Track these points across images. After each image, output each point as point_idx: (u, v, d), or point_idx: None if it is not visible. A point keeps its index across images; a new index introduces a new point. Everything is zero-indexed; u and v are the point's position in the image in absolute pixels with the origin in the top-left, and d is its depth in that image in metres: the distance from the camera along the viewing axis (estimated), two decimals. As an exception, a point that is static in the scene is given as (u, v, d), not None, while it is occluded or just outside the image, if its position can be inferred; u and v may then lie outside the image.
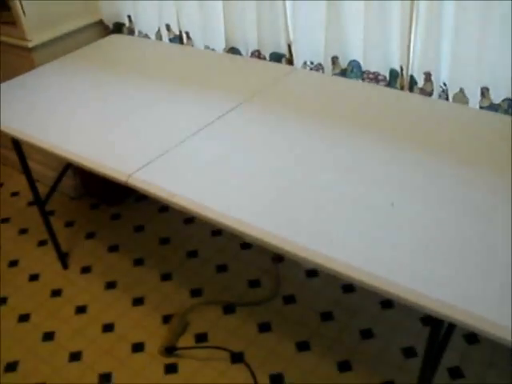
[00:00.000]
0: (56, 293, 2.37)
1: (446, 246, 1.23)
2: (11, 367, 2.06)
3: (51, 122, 1.89)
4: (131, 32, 2.61)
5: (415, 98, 1.92)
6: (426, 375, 1.42)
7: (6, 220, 2.82)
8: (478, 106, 1.85)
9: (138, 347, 2.11)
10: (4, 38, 2.52)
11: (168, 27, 2.49)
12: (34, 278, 2.46)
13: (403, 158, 1.54)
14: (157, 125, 1.81)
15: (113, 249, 2.58)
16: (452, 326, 1.42)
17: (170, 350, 2.06)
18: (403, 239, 1.26)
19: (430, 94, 1.93)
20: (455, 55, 1.82)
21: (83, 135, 1.79)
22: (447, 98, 1.90)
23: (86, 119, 1.88)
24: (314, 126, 1.73)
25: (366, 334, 2.08)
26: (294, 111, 1.82)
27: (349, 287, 2.26)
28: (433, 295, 1.11)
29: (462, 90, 1.86)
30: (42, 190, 2.34)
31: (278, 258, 2.40)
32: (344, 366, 1.97)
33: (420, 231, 1.28)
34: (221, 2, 2.23)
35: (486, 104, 1.83)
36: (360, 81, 2.05)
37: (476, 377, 1.90)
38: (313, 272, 2.34)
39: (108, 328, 2.19)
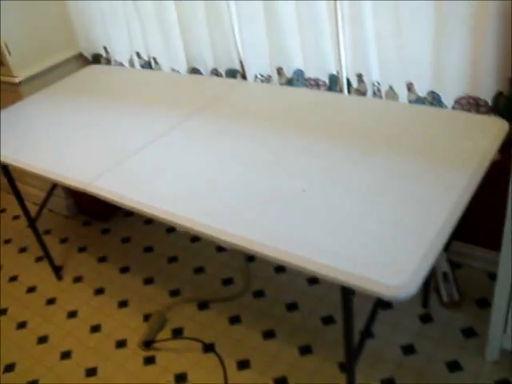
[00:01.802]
0: (50, 301, 2.60)
1: (344, 222, 1.43)
2: (10, 368, 2.29)
3: (29, 145, 2.13)
4: (108, 62, 2.87)
5: (352, 98, 2.11)
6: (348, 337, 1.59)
7: (8, 241, 3.09)
8: (406, 101, 2.03)
9: (121, 344, 2.31)
10: (-7, 76, 2.81)
11: (138, 55, 2.74)
12: (31, 289, 2.70)
13: (339, 151, 1.72)
14: (117, 140, 2.04)
15: (102, 259, 2.82)
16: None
17: (148, 343, 2.26)
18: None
19: (365, 93, 2.12)
20: (381, 56, 2.01)
21: (55, 154, 2.03)
22: (381, 96, 2.09)
23: (60, 141, 2.12)
24: (260, 130, 1.93)
25: (327, 320, 2.25)
26: (241, 118, 2.02)
27: (313, 279, 2.44)
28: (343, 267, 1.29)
29: (391, 87, 2.05)
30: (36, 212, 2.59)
31: (250, 257, 2.60)
32: (306, 350, 2.14)
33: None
34: (179, 29, 2.46)
35: (413, 98, 2.02)
36: (304, 88, 2.25)
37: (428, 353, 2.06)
38: (280, 268, 2.53)
39: (95, 329, 2.41)
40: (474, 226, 2.21)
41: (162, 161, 1.85)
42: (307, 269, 1.31)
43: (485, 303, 2.18)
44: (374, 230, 1.37)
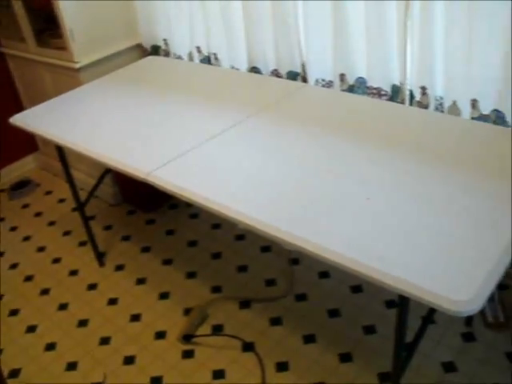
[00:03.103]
0: (92, 286, 2.63)
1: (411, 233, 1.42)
2: (50, 347, 2.32)
3: (89, 130, 2.16)
4: (167, 54, 2.90)
5: (414, 110, 2.09)
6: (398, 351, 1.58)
7: (52, 223, 3.13)
8: (469, 117, 2.01)
9: (160, 335, 2.33)
10: (56, 61, 2.85)
11: (198, 49, 2.76)
12: (73, 273, 2.73)
13: (401, 162, 1.71)
14: (178, 132, 2.05)
15: (145, 250, 2.83)
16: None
17: (187, 337, 2.27)
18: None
19: (427, 106, 2.10)
20: (447, 71, 1.99)
21: (114, 141, 2.05)
22: (443, 110, 2.07)
23: (119, 128, 2.14)
24: (320, 134, 1.92)
25: (369, 329, 2.24)
26: (302, 122, 2.02)
27: (357, 287, 2.43)
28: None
29: (454, 103, 2.03)
30: (86, 197, 2.61)
31: (294, 260, 2.60)
32: (346, 358, 2.13)
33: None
34: (243, 27, 2.48)
35: (476, 115, 1.99)
36: (365, 96, 2.24)
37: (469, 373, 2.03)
38: (325, 273, 2.52)
39: (135, 318, 2.43)
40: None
41: (221, 157, 1.86)
42: (370, 276, 1.30)
43: (531, 328, 2.16)
44: (440, 243, 1.36)
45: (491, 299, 2.25)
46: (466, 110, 2.01)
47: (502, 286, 2.33)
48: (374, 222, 1.46)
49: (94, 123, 2.21)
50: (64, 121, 2.26)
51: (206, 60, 2.76)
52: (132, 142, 2.02)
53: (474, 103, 1.98)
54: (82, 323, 2.43)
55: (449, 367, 2.05)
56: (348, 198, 1.57)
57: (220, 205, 1.61)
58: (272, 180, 1.70)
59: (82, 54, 2.74)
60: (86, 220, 2.65)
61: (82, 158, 2.06)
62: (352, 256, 1.35)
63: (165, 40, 2.86)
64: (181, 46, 2.81)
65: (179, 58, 2.85)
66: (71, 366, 2.23)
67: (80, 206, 2.56)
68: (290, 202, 1.59)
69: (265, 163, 1.79)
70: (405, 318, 1.47)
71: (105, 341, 2.33)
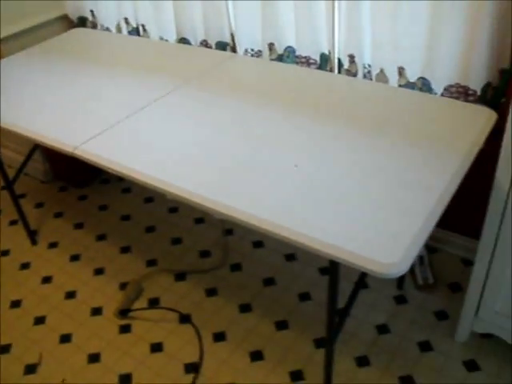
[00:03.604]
0: (24, 266, 2.58)
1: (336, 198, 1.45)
2: (-20, 331, 2.27)
3: (12, 105, 2.08)
4: (94, 26, 2.82)
5: (342, 78, 2.11)
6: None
7: (-21, 203, 3.04)
8: (396, 85, 2.05)
9: (96, 311, 2.31)
10: (-27, 31, 2.73)
11: (126, 21, 2.70)
12: (4, 253, 2.66)
13: (328, 130, 1.74)
14: (105, 105, 2.01)
15: (78, 226, 2.79)
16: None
17: (124, 312, 2.26)
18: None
19: (355, 74, 2.13)
20: (375, 39, 2.02)
21: (40, 116, 1.98)
22: (371, 78, 2.11)
23: (44, 102, 2.08)
24: (249, 103, 1.92)
25: (304, 296, 2.28)
26: (231, 91, 2.02)
27: (291, 256, 2.47)
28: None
29: (382, 70, 2.06)
30: (14, 174, 2.54)
31: (228, 230, 2.62)
32: (282, 325, 2.17)
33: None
34: (171, -3, 2.44)
35: (403, 82, 2.04)
36: (294, 65, 2.25)
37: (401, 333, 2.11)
38: (259, 243, 2.55)
39: (70, 295, 2.39)
40: (452, 213, 2.26)
41: (150, 128, 1.83)
42: (299, 242, 1.32)
43: (458, 287, 2.24)
44: (366, 209, 1.39)
45: (421, 262, 2.33)
46: (394, 78, 2.05)
47: (431, 249, 2.42)
48: (302, 190, 1.48)
49: (18, 98, 2.13)
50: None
51: (135, 32, 2.70)
52: (58, 116, 1.97)
53: (401, 71, 2.01)
54: (15, 304, 2.38)
55: (382, 329, 2.11)
56: (277, 165, 1.58)
57: (147, 176, 1.60)
58: (199, 150, 1.69)
59: (2, 24, 2.63)
60: (16, 198, 2.57)
61: (8, 134, 1.99)
62: (282, 223, 1.37)
63: (92, 11, 2.78)
64: (108, 17, 2.74)
65: (107, 29, 2.78)
66: (5, 349, 2.18)
67: (8, 184, 2.49)
68: (218, 170, 1.59)
69: (193, 133, 1.78)
70: (336, 283, 1.50)
71: (40, 320, 2.29)
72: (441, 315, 2.14)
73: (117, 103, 2.01)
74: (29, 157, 2.53)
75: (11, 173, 2.52)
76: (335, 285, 1.51)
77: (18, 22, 2.69)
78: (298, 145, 1.67)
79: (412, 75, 2.01)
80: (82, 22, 2.85)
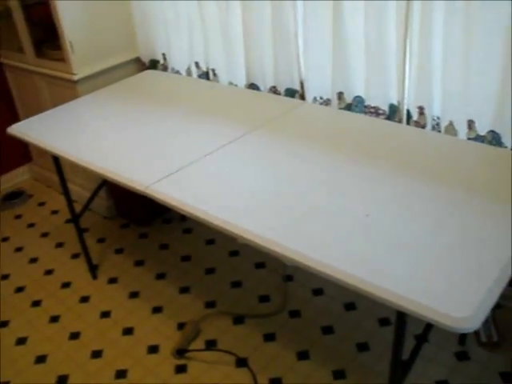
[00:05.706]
0: (84, 299, 2.62)
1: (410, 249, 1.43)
2: (40, 359, 2.30)
3: (87, 142, 2.16)
4: (165, 68, 2.91)
5: (411, 129, 2.11)
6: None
7: (45, 234, 3.11)
8: (465, 137, 2.04)
9: (153, 349, 2.31)
10: (54, 73, 2.86)
11: (197, 65, 2.78)
12: (65, 285, 2.72)
13: (399, 180, 1.73)
14: (177, 147, 2.06)
15: (138, 263, 2.83)
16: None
17: (181, 352, 2.26)
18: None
19: (424, 126, 2.13)
20: (444, 91, 2.02)
21: (113, 154, 2.05)
22: (440, 130, 2.10)
23: (117, 141, 2.15)
24: (318, 151, 1.94)
25: (362, 346, 2.24)
26: (299, 139, 2.04)
27: (350, 305, 2.43)
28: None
29: (451, 123, 2.06)
30: (80, 209, 2.60)
31: (288, 276, 2.61)
32: (339, 375, 2.13)
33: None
34: (242, 43, 2.50)
35: (472, 135, 2.02)
36: (363, 114, 2.27)
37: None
38: (318, 290, 2.53)
39: (128, 331, 2.41)
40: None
41: (220, 172, 1.87)
42: (374, 294, 1.30)
43: (524, 348, 2.17)
44: (439, 261, 1.37)
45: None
46: (463, 131, 2.04)
47: (495, 306, 2.34)
48: (373, 239, 1.47)
49: (92, 136, 2.21)
50: (62, 132, 2.26)
51: (205, 75, 2.78)
52: (130, 155, 2.03)
53: (471, 124, 2.00)
54: (74, 336, 2.41)
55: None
56: (347, 214, 1.58)
57: (221, 220, 1.61)
58: (269, 195, 1.71)
59: (80, 66, 2.75)
60: (81, 233, 2.64)
61: (77, 170, 2.06)
62: (352, 272, 1.36)
63: (163, 54, 2.88)
64: (179, 60, 2.83)
65: (177, 72, 2.86)
66: (62, 380, 2.20)
67: (75, 218, 2.56)
68: (290, 217, 1.59)
69: (264, 179, 1.80)
70: (402, 334, 1.47)
71: (97, 354, 2.31)
72: (507, 377, 2.06)
73: (188, 146, 2.06)
74: (95, 192, 2.60)
75: (76, 207, 2.58)
76: (401, 336, 1.48)
77: (94, 64, 2.81)
78: (368, 194, 1.67)
79: (482, 128, 1.99)
80: (154, 64, 2.95)
